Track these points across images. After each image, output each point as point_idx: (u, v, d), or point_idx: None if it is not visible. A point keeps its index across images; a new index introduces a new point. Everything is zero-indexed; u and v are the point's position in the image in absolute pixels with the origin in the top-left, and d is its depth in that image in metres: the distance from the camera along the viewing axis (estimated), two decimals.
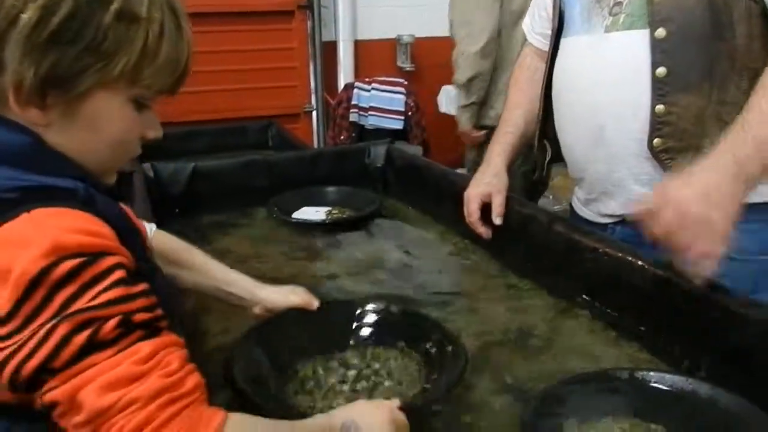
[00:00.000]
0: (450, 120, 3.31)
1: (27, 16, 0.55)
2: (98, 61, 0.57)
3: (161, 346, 0.53)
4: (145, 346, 0.52)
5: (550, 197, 3.11)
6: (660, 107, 0.98)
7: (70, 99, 0.58)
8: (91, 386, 0.49)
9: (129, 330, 0.52)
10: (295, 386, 0.86)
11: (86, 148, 0.62)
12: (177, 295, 0.81)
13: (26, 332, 0.50)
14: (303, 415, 0.74)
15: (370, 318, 0.98)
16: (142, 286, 0.55)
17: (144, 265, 0.63)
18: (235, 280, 0.95)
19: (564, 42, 1.14)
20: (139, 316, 0.53)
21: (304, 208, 1.61)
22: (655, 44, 0.96)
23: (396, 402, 0.71)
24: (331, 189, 1.70)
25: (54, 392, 0.50)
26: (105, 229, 0.56)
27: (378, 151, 1.82)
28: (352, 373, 0.89)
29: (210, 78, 3.20)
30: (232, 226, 1.57)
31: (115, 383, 0.49)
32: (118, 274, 0.53)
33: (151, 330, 0.54)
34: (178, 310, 0.77)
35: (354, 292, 1.20)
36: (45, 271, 0.50)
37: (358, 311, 0.98)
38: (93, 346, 0.50)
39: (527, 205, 1.29)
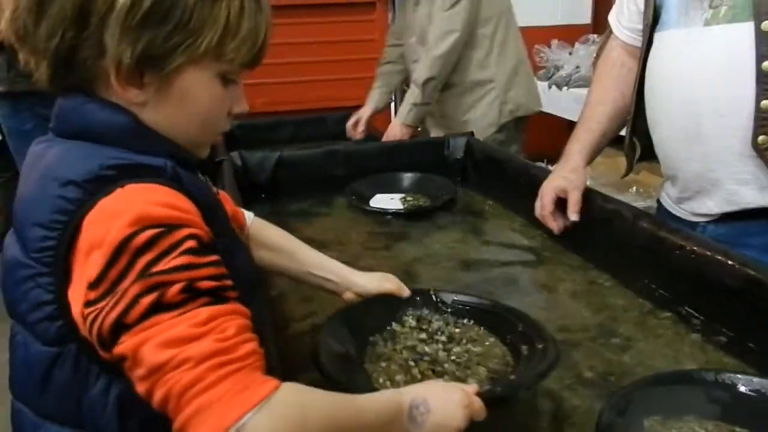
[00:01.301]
0: None
1: (122, 1, 0.59)
2: (186, 39, 0.62)
3: (222, 313, 0.55)
4: (206, 311, 0.54)
5: (632, 191, 3.02)
6: (766, 102, 0.94)
7: (163, 77, 0.63)
8: (152, 342, 0.52)
9: (194, 295, 0.54)
10: (374, 364, 0.89)
11: (178, 124, 0.67)
12: (261, 278, 0.85)
13: (111, 296, 0.54)
14: None
15: (455, 307, 0.99)
16: (212, 257, 0.58)
17: (224, 240, 0.67)
18: (329, 265, 0.98)
19: (659, 36, 1.10)
20: (205, 284, 0.55)
21: (378, 196, 1.64)
22: (761, 36, 0.92)
23: (473, 387, 0.71)
24: (406, 175, 1.73)
25: (122, 346, 0.54)
26: (187, 203, 0.60)
27: (458, 143, 1.82)
28: (435, 350, 0.91)
29: (293, 69, 3.29)
30: (314, 214, 1.62)
31: (172, 342, 0.52)
32: (190, 243, 0.56)
33: (216, 297, 0.56)
34: (259, 287, 0.81)
35: (432, 283, 1.22)
36: (129, 238, 0.55)
37: (443, 301, 1.00)
38: (159, 307, 0.53)
39: (610, 200, 1.26)
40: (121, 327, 0.54)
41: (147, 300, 0.53)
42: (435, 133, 2.27)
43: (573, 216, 1.23)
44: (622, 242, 1.18)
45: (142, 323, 0.53)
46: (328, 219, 1.60)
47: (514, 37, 2.20)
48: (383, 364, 0.89)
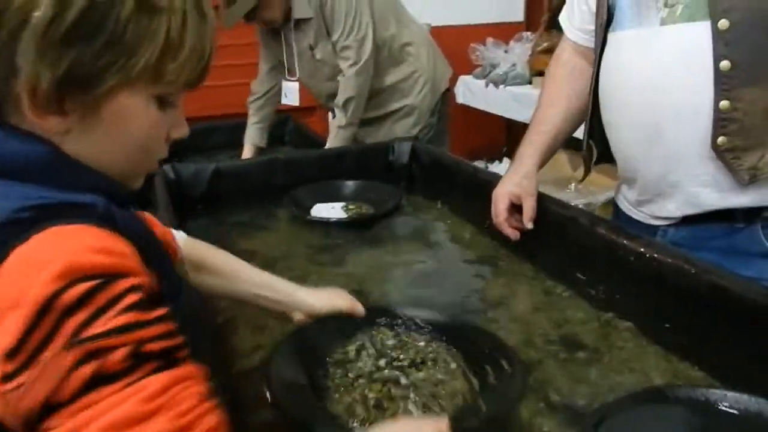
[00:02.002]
0: (468, 111, 3.27)
1: (40, 14, 0.49)
2: (119, 58, 0.53)
3: (176, 381, 0.47)
4: (156, 381, 0.46)
5: (571, 188, 3.05)
6: (724, 103, 0.92)
7: (90, 102, 0.54)
8: (94, 426, 0.43)
9: (140, 361, 0.46)
10: (331, 395, 0.82)
11: (109, 154, 0.57)
12: (206, 310, 0.77)
13: (34, 368, 0.45)
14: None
15: (415, 325, 0.94)
16: (160, 311, 0.50)
17: (170, 282, 0.59)
18: (275, 284, 0.90)
19: (612, 37, 1.07)
20: (153, 345, 0.47)
21: (318, 205, 1.57)
22: (718, 36, 0.90)
23: (444, 421, 0.64)
24: (348, 183, 1.67)
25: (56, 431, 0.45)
26: (124, 246, 0.51)
27: (403, 149, 1.77)
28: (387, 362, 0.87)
29: (224, 72, 3.15)
30: (256, 227, 1.54)
31: (118, 424, 0.43)
32: (132, 297, 0.48)
33: (167, 361, 0.48)
34: (208, 325, 0.73)
35: (386, 298, 1.16)
36: (56, 295, 0.45)
37: (401, 319, 0.94)
38: (99, 379, 0.44)
39: (566, 207, 1.23)
40: (51, 406, 0.44)
41: (84, 371, 0.44)
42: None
43: (528, 224, 1.20)
44: (578, 250, 1.15)
45: (78, 400, 0.44)
46: (270, 232, 1.51)
47: (407, 23, 2.19)
48: (341, 395, 0.82)
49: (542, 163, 1.27)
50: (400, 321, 0.94)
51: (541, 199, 1.22)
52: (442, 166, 1.64)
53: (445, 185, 1.62)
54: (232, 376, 0.89)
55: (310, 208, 1.55)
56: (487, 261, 1.31)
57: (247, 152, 2.36)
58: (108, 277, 0.47)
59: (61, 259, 0.46)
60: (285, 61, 2.19)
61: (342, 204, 1.58)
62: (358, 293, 1.15)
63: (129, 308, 0.47)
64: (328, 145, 2.04)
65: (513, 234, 1.23)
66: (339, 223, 1.49)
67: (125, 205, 0.60)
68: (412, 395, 0.81)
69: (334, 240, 1.44)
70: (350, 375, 0.85)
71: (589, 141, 1.18)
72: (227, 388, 0.85)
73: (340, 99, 2.02)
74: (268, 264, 1.31)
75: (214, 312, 1.00)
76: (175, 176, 1.57)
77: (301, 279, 1.22)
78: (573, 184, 3.01)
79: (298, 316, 0.90)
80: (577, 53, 1.22)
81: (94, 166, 0.57)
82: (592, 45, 1.15)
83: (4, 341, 0.45)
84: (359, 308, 0.91)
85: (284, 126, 2.71)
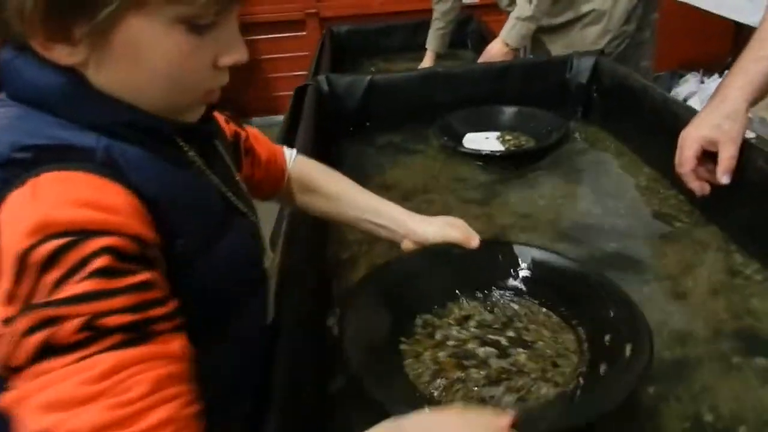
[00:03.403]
0: (685, 10, 2.74)
1: None
2: None
3: (131, 362, 0.41)
4: (109, 359, 0.40)
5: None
6: None
7: (97, 29, 0.46)
8: (33, 400, 0.39)
9: (97, 334, 0.41)
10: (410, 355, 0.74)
11: (137, 87, 0.50)
12: (261, 265, 0.70)
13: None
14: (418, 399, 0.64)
15: (533, 270, 0.82)
16: (133, 278, 0.43)
17: (196, 237, 0.52)
18: (384, 209, 0.83)
19: None
20: (114, 319, 0.41)
21: (471, 135, 1.40)
22: None
23: (507, 417, 0.52)
24: (506, 109, 1.46)
25: (6, 396, 0.41)
26: (116, 198, 0.45)
27: (582, 65, 1.51)
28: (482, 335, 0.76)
29: None
30: (405, 151, 1.43)
31: (56, 404, 0.39)
32: (101, 261, 0.42)
33: (132, 336, 0.42)
34: (261, 283, 0.66)
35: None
36: (28, 251, 0.42)
37: (521, 259, 0.82)
38: (49, 349, 0.40)
39: None
40: (9, 369, 0.41)
41: (36, 338, 0.40)
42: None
43: (723, 178, 0.94)
44: None
45: (29, 368, 0.40)
46: (418, 159, 1.39)
47: None
48: (419, 356, 0.73)
49: (755, 100, 0.98)
50: (513, 262, 0.82)
51: (746, 148, 0.95)
52: (626, 90, 1.36)
53: (627, 116, 1.35)
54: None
55: (463, 136, 1.40)
56: (663, 218, 1.08)
57: (427, 60, 2.20)
58: (81, 234, 0.42)
59: (38, 213, 0.42)
60: None
61: (497, 134, 1.40)
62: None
63: (94, 274, 0.41)
64: (501, 37, 1.78)
65: (700, 188, 0.98)
66: (492, 157, 1.32)
67: (164, 138, 0.54)
68: (493, 368, 0.71)
69: (484, 176, 1.29)
70: (436, 337, 0.76)
71: None
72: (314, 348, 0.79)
73: None
74: (407, 195, 1.22)
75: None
76: (329, 88, 1.50)
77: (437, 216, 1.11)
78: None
79: (406, 244, 0.82)
80: None
81: (126, 99, 0.50)
82: None
83: (3, 285, 0.42)
84: (474, 240, 0.80)
85: (466, 26, 2.50)
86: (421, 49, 2.25)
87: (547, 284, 0.81)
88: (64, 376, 0.39)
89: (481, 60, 1.78)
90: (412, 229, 0.81)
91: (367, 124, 1.52)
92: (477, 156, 1.32)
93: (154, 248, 0.47)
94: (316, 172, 0.85)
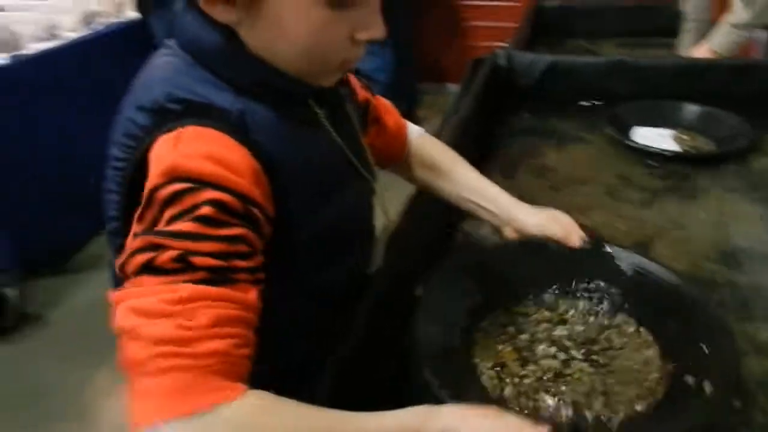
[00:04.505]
0: None
1: None
2: None
3: (204, 296, 0.47)
4: (188, 289, 0.47)
5: None
6: None
7: None
8: (126, 303, 0.47)
9: (186, 267, 0.48)
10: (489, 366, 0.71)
11: (279, 52, 0.57)
12: (368, 222, 0.73)
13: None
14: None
15: (626, 277, 0.76)
16: (228, 231, 0.50)
17: (300, 198, 0.58)
18: (488, 191, 0.84)
19: None
20: (203, 260, 0.48)
21: (642, 129, 1.30)
22: None
23: (540, 429, 0.51)
24: (687, 105, 1.34)
25: (115, 292, 0.49)
26: (236, 157, 0.52)
27: None
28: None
29: None
30: (570, 139, 1.38)
31: (141, 311, 0.46)
32: (206, 210, 0.49)
33: (214, 277, 0.48)
34: (366, 239, 0.71)
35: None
36: (157, 189, 0.50)
37: (618, 263, 0.77)
38: (149, 268, 0.48)
39: None
40: (122, 274, 0.50)
41: (141, 258, 0.48)
42: None
43: None
44: None
45: (133, 278, 0.49)
46: (582, 148, 1.34)
47: None
48: (489, 354, 0.71)
49: None
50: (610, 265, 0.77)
51: None
52: None
53: None
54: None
55: (634, 129, 1.31)
56: None
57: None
58: (199, 183, 0.49)
59: (172, 159, 0.50)
60: None
61: (673, 132, 1.29)
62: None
63: (198, 219, 0.49)
64: (709, 44, 1.63)
65: None
66: (662, 156, 1.22)
67: (297, 101, 0.60)
68: (557, 382, 0.67)
69: (647, 175, 1.21)
70: (509, 330, 0.74)
71: None
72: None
73: None
74: (558, 184, 1.19)
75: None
76: (507, 63, 1.49)
77: (582, 211, 1.08)
78: None
79: (507, 232, 0.82)
80: None
81: (270, 61, 0.57)
82: None
83: (140, 209, 0.52)
84: (574, 237, 0.78)
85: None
86: (632, 35, 2.10)
87: (643, 299, 0.75)
88: (153, 292, 0.47)
89: None
90: (513, 216, 0.80)
91: (540, 105, 1.49)
92: (645, 152, 1.24)
93: (259, 208, 0.53)
94: (432, 148, 0.88)
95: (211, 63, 0.57)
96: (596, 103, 1.46)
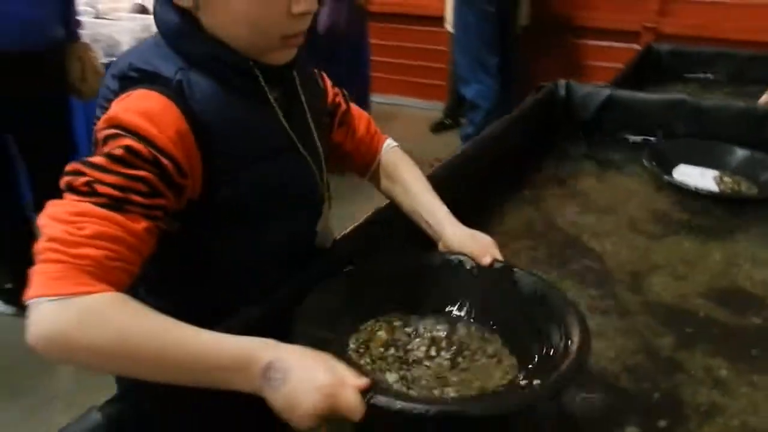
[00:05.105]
0: None
1: None
2: None
3: (94, 215, 0.57)
4: (86, 207, 0.58)
5: None
6: None
7: None
8: (49, 207, 0.59)
9: (93, 192, 0.58)
10: (357, 342, 0.75)
11: (229, 29, 0.67)
12: (296, 193, 0.78)
13: None
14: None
15: (521, 299, 0.78)
16: (131, 171, 0.60)
17: (233, 158, 0.68)
18: (434, 209, 0.87)
19: None
20: (104, 189, 0.59)
21: (685, 167, 1.28)
22: None
23: (361, 380, 0.56)
24: (734, 148, 1.30)
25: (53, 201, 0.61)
26: (166, 116, 0.63)
27: None
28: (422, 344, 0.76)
29: None
30: (612, 168, 1.39)
31: (50, 215, 0.57)
32: (118, 151, 0.60)
33: (114, 204, 0.59)
34: (306, 203, 0.79)
35: (679, 326, 0.89)
36: (98, 130, 0.64)
37: (519, 286, 0.79)
38: (70, 188, 0.60)
39: None
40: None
41: (67, 179, 0.60)
42: None
43: None
44: None
45: (64, 194, 0.60)
46: (620, 180, 1.34)
47: None
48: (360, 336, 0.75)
49: None
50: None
51: None
52: None
53: None
54: None
55: (677, 165, 1.29)
56: None
57: None
58: (124, 131, 0.62)
59: (114, 111, 0.63)
60: None
61: (716, 173, 1.26)
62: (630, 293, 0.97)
63: (108, 155, 0.60)
64: None
65: None
66: (700, 195, 1.20)
67: (246, 74, 0.69)
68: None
69: (678, 212, 1.19)
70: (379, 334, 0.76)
71: None
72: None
73: None
74: (584, 210, 1.21)
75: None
76: (566, 94, 1.52)
77: (596, 237, 1.09)
78: None
79: (440, 245, 0.86)
80: None
81: (222, 39, 0.68)
82: None
83: None
84: (486, 259, 0.80)
85: None
86: (750, 84, 2.00)
87: (517, 319, 0.76)
88: (63, 204, 0.59)
89: (761, 102, 1.57)
90: (443, 233, 0.84)
91: (593, 135, 1.50)
92: (679, 189, 1.22)
93: (172, 160, 0.63)
94: (398, 161, 0.92)
95: (173, 41, 0.69)
96: (649, 138, 1.44)
